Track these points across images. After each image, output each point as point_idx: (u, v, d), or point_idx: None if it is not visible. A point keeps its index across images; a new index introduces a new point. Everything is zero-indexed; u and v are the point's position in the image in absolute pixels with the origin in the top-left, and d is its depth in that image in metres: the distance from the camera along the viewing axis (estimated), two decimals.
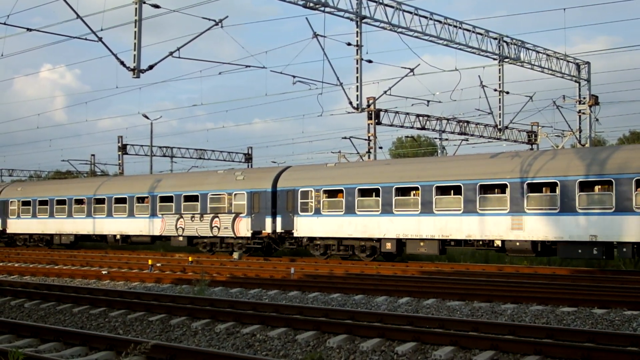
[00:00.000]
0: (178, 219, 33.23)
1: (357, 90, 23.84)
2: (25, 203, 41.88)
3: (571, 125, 36.80)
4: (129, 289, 18.82)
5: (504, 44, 30.24)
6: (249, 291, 17.59)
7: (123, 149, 51.52)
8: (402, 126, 39.66)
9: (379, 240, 27.08)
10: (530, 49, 31.84)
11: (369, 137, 38.55)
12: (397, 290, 16.26)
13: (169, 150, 54.20)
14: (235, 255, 30.13)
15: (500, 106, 31.11)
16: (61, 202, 39.61)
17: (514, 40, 30.80)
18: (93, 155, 62.79)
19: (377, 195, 27.23)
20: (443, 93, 39.27)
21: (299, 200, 29.16)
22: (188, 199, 33.24)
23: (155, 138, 66.03)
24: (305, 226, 29.08)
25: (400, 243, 26.58)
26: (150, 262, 25.09)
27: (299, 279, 20.02)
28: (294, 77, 26.09)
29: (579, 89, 35.07)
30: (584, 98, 35.00)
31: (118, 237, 36.22)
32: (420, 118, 40.15)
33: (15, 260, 30.99)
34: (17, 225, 42.46)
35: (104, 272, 22.69)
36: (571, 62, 34.28)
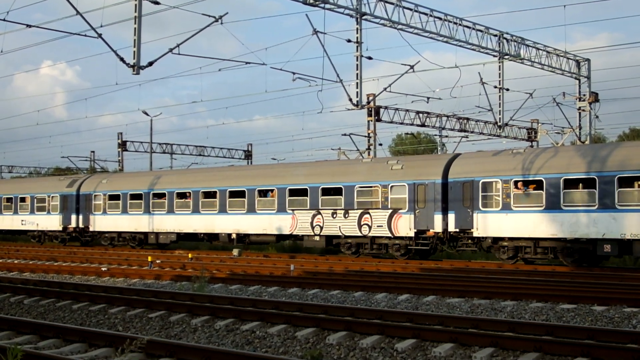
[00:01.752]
0: (315, 216, 28.63)
1: (357, 87, 23.84)
2: (114, 197, 36.94)
3: (571, 122, 36.85)
4: (129, 285, 18.81)
5: (504, 40, 30.23)
6: (248, 288, 17.59)
7: (123, 145, 51.51)
8: (402, 123, 39.66)
9: (592, 241, 22.53)
10: (531, 46, 31.83)
11: (368, 134, 38.55)
12: (396, 287, 16.26)
13: (169, 147, 54.18)
14: (235, 252, 30.08)
15: (500, 103, 31.11)
16: (159, 195, 34.95)
17: (514, 37, 30.80)
18: (93, 151, 62.89)
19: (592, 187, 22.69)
20: (443, 90, 39.33)
21: (480, 193, 24.82)
22: (327, 192, 28.70)
23: (155, 135, 66.15)
24: (490, 224, 24.64)
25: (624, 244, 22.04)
26: (149, 258, 25.08)
27: (298, 276, 20.03)
28: (294, 73, 26.10)
29: (579, 86, 35.06)
30: (584, 95, 35.00)
31: (234, 236, 31.53)
32: (420, 115, 40.14)
33: (14, 256, 30.98)
34: (103, 222, 37.52)
35: (103, 269, 22.68)
36: (571, 59, 34.27)
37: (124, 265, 25.59)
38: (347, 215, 27.66)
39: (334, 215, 28.06)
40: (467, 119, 41.94)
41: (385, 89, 29.58)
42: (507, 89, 31.63)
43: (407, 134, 58.71)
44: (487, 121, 42.13)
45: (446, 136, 44.02)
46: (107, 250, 35.57)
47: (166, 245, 35.70)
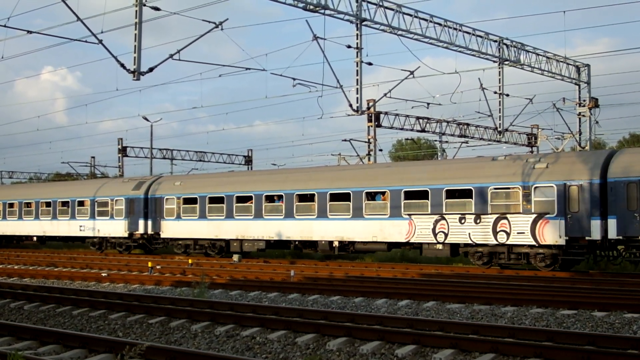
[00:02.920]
0: (437, 221, 25.29)
1: (357, 93, 23.84)
2: (189, 200, 33.14)
3: (571, 127, 36.89)
4: (129, 291, 18.80)
5: (504, 46, 30.27)
6: (248, 294, 17.57)
7: (123, 151, 51.56)
8: (402, 128, 39.71)
9: None
10: (530, 52, 31.87)
11: (369, 139, 38.60)
12: (397, 293, 16.25)
13: (169, 153, 54.22)
14: (235, 257, 30.07)
15: (500, 108, 31.12)
16: (244, 198, 31.40)
17: (514, 43, 30.84)
18: (93, 157, 62.92)
19: None
20: (443, 95, 39.41)
21: None
22: (452, 194, 25.49)
23: (155, 140, 66.18)
24: None
25: None
26: (150, 264, 25.08)
27: (298, 282, 20.02)
28: (294, 79, 26.13)
29: (579, 91, 35.10)
30: (584, 100, 35.03)
31: (336, 243, 27.98)
32: (420, 120, 40.20)
33: (14, 262, 30.96)
34: (176, 228, 33.57)
35: (103, 275, 22.67)
36: (571, 64, 34.32)
37: (124, 270, 25.57)
38: (478, 221, 24.39)
39: (462, 221, 24.75)
40: (467, 124, 42.00)
41: (385, 94, 29.63)
42: (507, 95, 31.66)
43: (407, 139, 58.87)
44: (487, 127, 42.22)
45: (446, 142, 44.15)
46: (107, 255, 35.48)
47: (250, 254, 32.56)
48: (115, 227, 36.40)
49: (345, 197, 27.97)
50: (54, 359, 9.78)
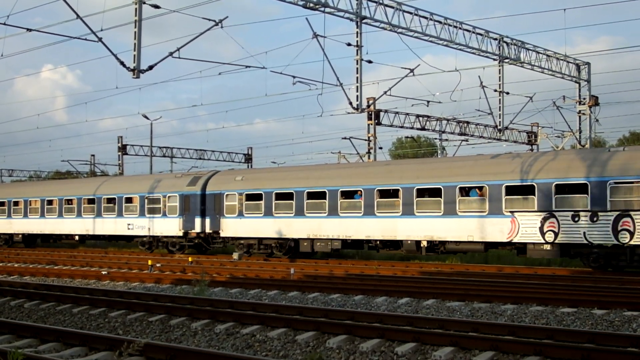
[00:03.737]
0: (546, 219, 22.91)
1: (357, 91, 23.84)
2: (253, 197, 30.70)
3: (571, 125, 36.87)
4: (129, 289, 18.82)
5: (504, 44, 30.26)
6: (248, 291, 17.59)
7: (123, 149, 51.55)
8: (402, 126, 39.69)
9: None
10: (530, 50, 31.86)
11: (368, 137, 38.57)
12: (397, 291, 16.26)
13: (169, 151, 54.23)
14: (235, 255, 30.06)
15: (500, 107, 31.12)
16: (316, 194, 28.75)
17: (514, 41, 30.82)
18: (93, 155, 62.91)
19: None
20: (443, 93, 39.40)
21: None
22: (562, 189, 23.04)
23: (155, 138, 66.18)
24: None
25: None
26: (150, 262, 25.09)
27: (298, 280, 20.03)
28: (294, 77, 26.12)
29: (579, 89, 35.10)
30: (584, 99, 35.03)
31: (424, 243, 25.75)
32: (420, 118, 40.18)
33: (15, 260, 30.98)
34: (238, 226, 31.04)
35: (103, 273, 22.69)
36: (571, 62, 34.31)
37: (124, 268, 25.58)
38: (595, 219, 22.03)
39: (576, 219, 22.35)
40: (467, 122, 41.98)
41: (385, 92, 29.63)
42: (507, 93, 31.65)
43: (407, 137, 58.78)
44: (487, 125, 42.20)
45: (446, 140, 44.12)
46: (107, 253, 35.45)
47: (323, 255, 30.68)
48: (168, 226, 33.87)
49: (435, 192, 25.68)
50: (55, 356, 9.78)
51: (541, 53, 32.39)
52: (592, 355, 9.01)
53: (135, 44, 19.88)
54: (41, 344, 10.75)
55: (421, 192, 26.06)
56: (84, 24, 20.25)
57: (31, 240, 42.63)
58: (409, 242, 26.04)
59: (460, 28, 28.03)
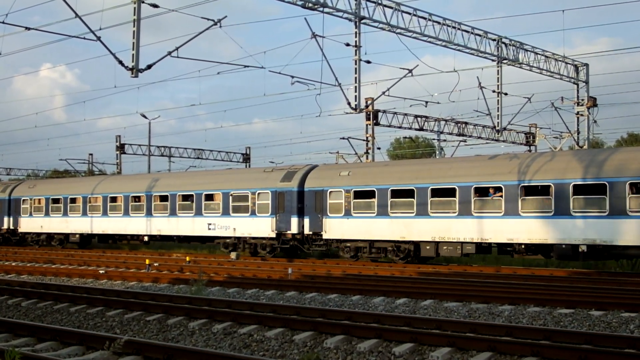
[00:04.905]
0: None
1: (356, 91, 23.85)
2: (363, 194, 27.50)
3: (569, 126, 36.89)
4: (126, 288, 18.80)
5: (503, 45, 30.28)
6: (246, 291, 17.58)
7: (121, 148, 51.50)
8: (400, 127, 39.69)
9: None
10: (529, 51, 31.89)
11: (367, 137, 38.57)
12: (394, 291, 16.26)
13: (167, 150, 54.19)
14: (233, 255, 30.01)
15: (498, 107, 31.14)
16: (443, 192, 25.77)
17: (513, 42, 30.85)
18: (91, 154, 62.78)
19: None
20: (441, 94, 39.46)
21: None
22: None
23: (154, 137, 66.06)
24: None
25: None
26: (147, 261, 25.07)
27: (296, 279, 20.02)
28: (292, 77, 26.13)
29: (577, 90, 35.13)
30: (582, 100, 35.06)
31: (583, 247, 22.20)
32: (419, 119, 40.18)
33: (12, 259, 30.94)
34: (345, 227, 27.79)
35: (101, 272, 22.67)
36: (570, 63, 34.34)
37: (121, 268, 25.56)
38: None
39: None
40: (466, 123, 41.99)
41: (383, 92, 29.62)
42: (506, 94, 31.66)
43: (405, 137, 58.79)
44: (485, 125, 42.22)
45: (444, 140, 44.12)
46: (105, 252, 35.36)
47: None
48: (257, 226, 30.35)
49: (596, 189, 22.35)
50: (52, 355, 9.77)
51: (540, 54, 32.41)
52: (590, 357, 9.02)
53: (133, 43, 19.86)
54: (38, 343, 10.75)
55: (580, 190, 22.65)
56: (82, 23, 20.23)
57: (87, 241, 39.33)
58: (564, 246, 22.60)
59: (458, 29, 28.04)
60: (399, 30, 25.64)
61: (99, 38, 20.49)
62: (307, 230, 28.86)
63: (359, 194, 27.65)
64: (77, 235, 38.38)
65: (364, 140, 39.28)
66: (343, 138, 42.12)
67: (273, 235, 29.82)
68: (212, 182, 32.98)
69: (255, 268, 24.66)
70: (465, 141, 43.65)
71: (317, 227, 28.54)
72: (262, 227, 30.22)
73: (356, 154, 40.93)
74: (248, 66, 24.94)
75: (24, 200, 41.71)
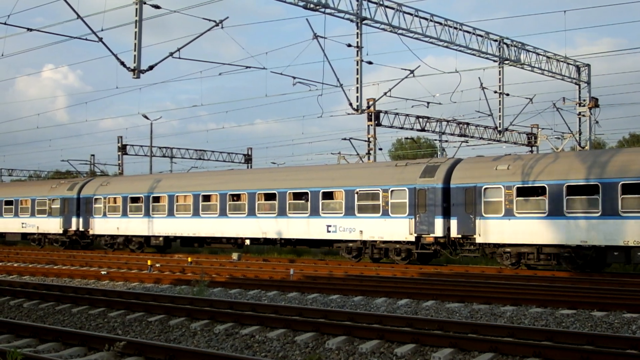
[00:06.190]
0: None
1: (357, 92, 23.85)
2: (528, 191, 24.17)
3: (571, 127, 36.89)
4: (128, 289, 18.80)
5: (504, 46, 30.26)
6: (248, 292, 17.58)
7: (123, 149, 51.54)
8: (402, 127, 39.71)
9: None
10: (531, 51, 31.88)
11: (368, 138, 38.57)
12: (396, 292, 16.26)
13: (169, 151, 54.21)
14: (235, 255, 30.00)
15: (500, 108, 31.12)
16: (582, 190, 22.90)
17: (514, 42, 30.84)
18: (93, 155, 62.87)
19: None
20: (443, 95, 39.48)
21: None
22: None
23: (155, 138, 66.18)
24: None
25: None
26: (149, 262, 25.07)
27: (298, 280, 20.02)
28: (294, 78, 26.14)
29: (579, 91, 35.12)
30: (584, 100, 35.04)
31: None
32: (420, 120, 40.20)
33: (14, 259, 30.97)
34: (506, 229, 24.06)
35: (103, 273, 22.67)
36: (571, 64, 34.32)
37: (123, 269, 25.56)
38: None
39: None
40: (467, 123, 42.00)
41: (385, 93, 29.64)
42: (507, 94, 31.67)
43: (407, 138, 58.89)
44: (487, 126, 42.24)
45: (446, 141, 44.13)
46: (107, 253, 35.31)
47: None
48: (391, 228, 26.66)
49: None
50: (54, 356, 9.77)
51: (541, 55, 32.41)
52: (592, 357, 9.01)
53: (135, 44, 19.89)
54: (40, 344, 10.74)
55: None
56: (84, 24, 20.28)
57: (168, 244, 35.44)
58: None
59: (460, 29, 28.04)
60: (400, 31, 25.64)
61: (101, 39, 20.52)
62: (454, 233, 25.24)
63: (524, 191, 24.07)
64: (161, 238, 34.50)
65: (365, 141, 39.29)
66: (345, 139, 42.22)
67: (411, 238, 26.10)
68: (331, 178, 29.14)
69: (257, 269, 24.66)
70: (467, 142, 43.67)
71: (468, 230, 24.89)
72: (396, 229, 26.48)
73: (358, 154, 40.96)
74: (250, 67, 24.97)
75: (96, 199, 37.58)
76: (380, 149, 42.09)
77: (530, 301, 14.55)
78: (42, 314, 14.43)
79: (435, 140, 47.03)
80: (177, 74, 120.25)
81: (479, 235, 24.57)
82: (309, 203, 28.90)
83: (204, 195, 32.56)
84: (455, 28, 27.83)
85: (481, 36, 29.11)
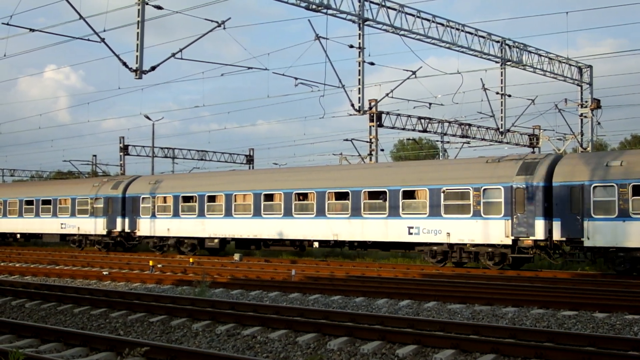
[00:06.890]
0: None
1: (359, 93, 23.88)
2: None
3: (573, 128, 36.88)
4: (130, 289, 18.81)
5: (507, 47, 30.27)
6: (249, 293, 17.58)
7: (125, 149, 51.58)
8: (403, 128, 39.67)
9: None
10: (533, 52, 31.88)
11: (370, 139, 38.55)
12: (398, 293, 16.25)
13: (171, 152, 54.25)
14: (236, 256, 30.01)
15: (502, 109, 31.15)
16: None
17: (517, 44, 30.84)
18: (95, 155, 62.91)
19: None
20: (445, 96, 39.45)
21: None
22: None
23: (157, 139, 66.19)
24: None
25: None
26: (151, 263, 25.08)
27: (299, 281, 20.02)
28: (296, 79, 26.21)
29: (581, 92, 35.10)
30: (586, 101, 35.02)
31: None
32: (422, 120, 40.16)
33: (16, 260, 30.99)
34: (620, 231, 21.89)
35: (105, 273, 22.68)
36: (573, 65, 34.31)
37: (125, 269, 25.57)
38: None
39: None
40: (469, 125, 41.97)
41: (387, 94, 29.76)
42: (509, 95, 31.70)
43: (408, 139, 58.86)
44: (489, 127, 42.19)
45: (448, 142, 44.16)
46: (109, 254, 35.32)
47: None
48: (484, 230, 24.31)
49: None
50: (55, 357, 9.78)
51: (543, 56, 32.40)
52: (593, 359, 9.01)
53: (137, 44, 19.92)
54: (42, 344, 10.75)
55: None
56: (86, 24, 20.32)
57: (222, 246, 33.05)
58: None
59: (462, 30, 28.06)
60: (402, 32, 25.66)
61: (103, 40, 20.56)
62: (557, 236, 22.93)
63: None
64: (216, 240, 32.10)
65: (367, 141, 39.27)
66: (346, 140, 42.25)
67: (507, 241, 23.74)
68: (411, 176, 26.73)
69: (259, 270, 24.66)
70: (469, 143, 43.65)
71: (574, 232, 22.61)
72: (490, 231, 24.13)
73: (359, 155, 40.96)
74: (252, 68, 25.02)
75: (143, 198, 35.06)
76: (382, 150, 42.18)
77: (532, 302, 14.54)
78: (43, 315, 14.44)
79: (437, 141, 47.06)
80: (179, 74, 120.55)
81: (588, 238, 22.24)
82: (387, 203, 26.47)
83: (266, 195, 30.37)
84: (458, 29, 27.85)
85: (483, 37, 29.12)
